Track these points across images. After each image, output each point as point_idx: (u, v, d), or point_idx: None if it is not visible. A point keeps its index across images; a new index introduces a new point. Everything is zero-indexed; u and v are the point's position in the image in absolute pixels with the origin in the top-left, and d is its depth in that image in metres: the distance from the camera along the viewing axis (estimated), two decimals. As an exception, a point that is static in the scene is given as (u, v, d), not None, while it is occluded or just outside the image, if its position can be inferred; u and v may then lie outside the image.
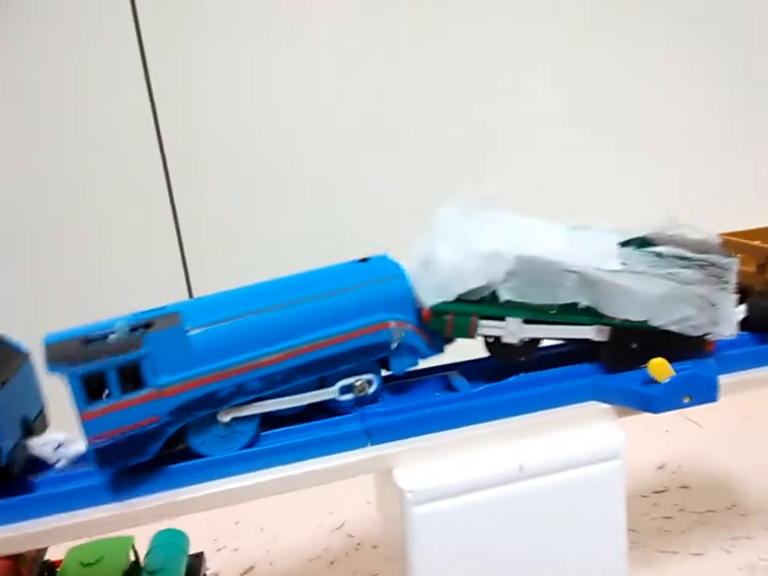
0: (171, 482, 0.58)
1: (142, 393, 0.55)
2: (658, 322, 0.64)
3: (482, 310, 0.62)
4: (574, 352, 0.69)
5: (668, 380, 0.62)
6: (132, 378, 0.55)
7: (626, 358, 0.65)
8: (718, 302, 0.64)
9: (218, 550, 1.01)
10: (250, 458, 0.59)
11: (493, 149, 1.27)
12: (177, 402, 0.56)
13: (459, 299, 0.61)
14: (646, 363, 0.63)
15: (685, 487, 1.05)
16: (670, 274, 0.64)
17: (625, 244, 0.65)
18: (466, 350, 0.68)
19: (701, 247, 0.65)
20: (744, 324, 0.71)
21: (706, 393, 0.63)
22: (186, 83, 1.14)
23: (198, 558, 0.82)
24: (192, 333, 0.57)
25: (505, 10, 1.23)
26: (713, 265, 0.64)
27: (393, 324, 0.61)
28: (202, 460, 0.59)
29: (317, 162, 1.22)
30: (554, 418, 0.64)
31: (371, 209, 1.23)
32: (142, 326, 0.57)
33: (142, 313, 0.59)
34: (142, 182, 1.16)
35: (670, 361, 0.63)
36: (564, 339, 0.67)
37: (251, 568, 0.97)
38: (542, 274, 0.62)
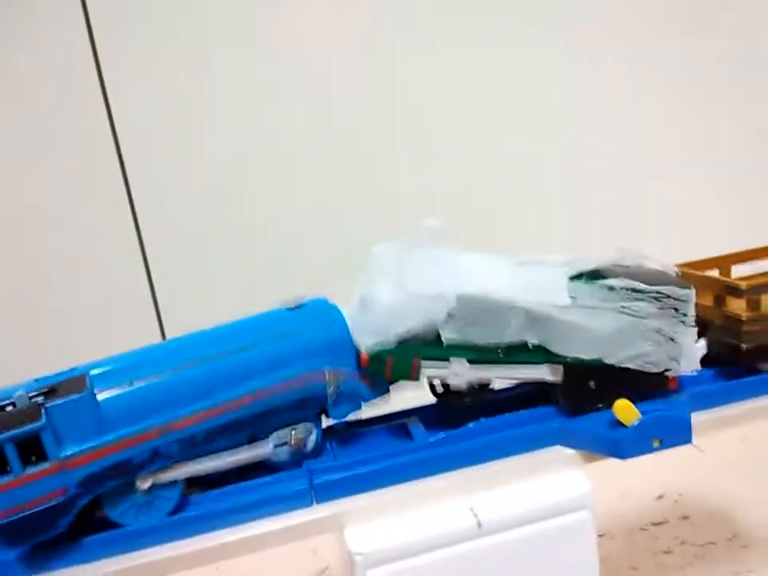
0: (90, 554, 0.54)
1: (45, 466, 0.51)
2: (612, 359, 0.60)
3: (423, 352, 0.58)
4: (534, 393, 0.65)
5: (636, 423, 0.57)
6: (35, 450, 0.51)
7: (583, 399, 0.61)
8: (676, 335, 0.60)
9: (196, 600, 0.97)
10: (178, 525, 0.55)
11: (490, 158, 1.23)
12: (84, 472, 0.52)
13: (399, 341, 0.58)
14: (605, 403, 0.60)
15: (685, 518, 1.00)
16: (623, 307, 0.60)
17: (575, 278, 0.61)
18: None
19: (656, 279, 0.61)
20: (705, 360, 0.66)
21: (679, 434, 0.58)
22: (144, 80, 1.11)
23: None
24: (100, 396, 0.53)
25: (505, 10, 1.19)
26: (668, 296, 0.60)
27: (326, 373, 0.57)
28: (123, 530, 0.55)
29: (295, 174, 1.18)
30: (515, 466, 0.60)
31: (359, 221, 1.19)
32: (45, 392, 0.53)
33: (47, 378, 0.55)
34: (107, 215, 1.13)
35: (632, 400, 0.59)
36: (515, 380, 0.63)
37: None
38: (485, 312, 0.58)
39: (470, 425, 0.62)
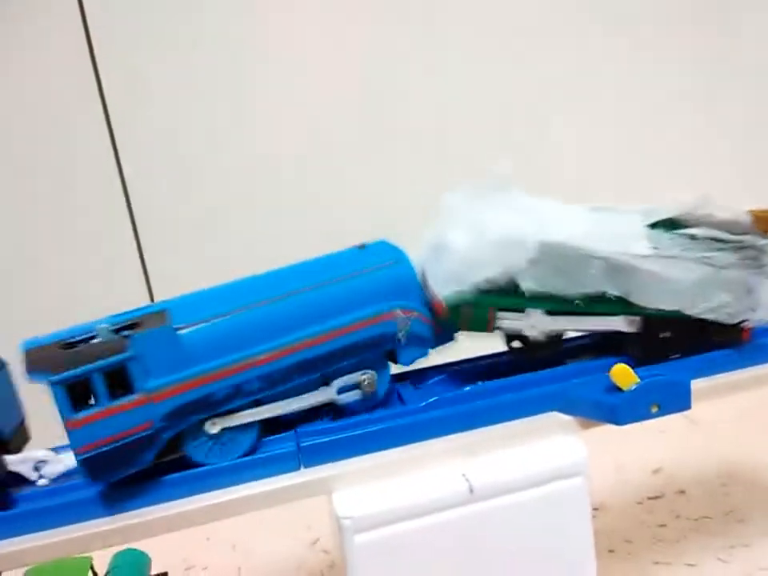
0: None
1: (132, 398, 0.51)
2: (692, 310, 0.59)
3: (500, 302, 0.57)
4: (603, 343, 0.64)
5: (633, 387, 0.55)
6: (120, 382, 0.50)
7: (656, 348, 0.61)
8: (755, 286, 0.60)
9: (187, 569, 0.97)
10: (168, 485, 0.54)
11: (504, 131, 1.21)
12: (170, 406, 0.51)
13: (476, 290, 0.56)
14: (678, 353, 0.60)
15: (681, 492, 0.99)
16: (704, 257, 0.58)
17: (653, 226, 0.60)
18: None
19: (733, 228, 0.60)
20: None
21: (678, 400, 0.57)
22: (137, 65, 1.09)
23: (162, 579, 0.78)
24: (182, 331, 0.53)
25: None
26: (749, 247, 0.59)
27: (399, 313, 0.56)
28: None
29: (289, 157, 1.16)
30: (508, 432, 0.58)
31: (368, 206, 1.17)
32: (127, 326, 0.53)
33: (126, 313, 0.55)
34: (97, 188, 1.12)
35: (705, 350, 0.60)
36: (591, 331, 0.62)
37: (220, 587, 0.93)
38: (566, 261, 0.56)
39: (467, 388, 0.60)
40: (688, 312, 0.59)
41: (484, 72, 1.19)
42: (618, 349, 0.62)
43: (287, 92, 1.14)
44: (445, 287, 0.56)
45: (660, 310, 0.58)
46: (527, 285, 0.56)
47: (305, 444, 0.56)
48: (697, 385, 0.59)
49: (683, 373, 0.58)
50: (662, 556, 0.88)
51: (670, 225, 0.60)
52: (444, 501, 0.54)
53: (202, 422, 0.54)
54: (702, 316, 0.59)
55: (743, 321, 0.60)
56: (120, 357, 0.50)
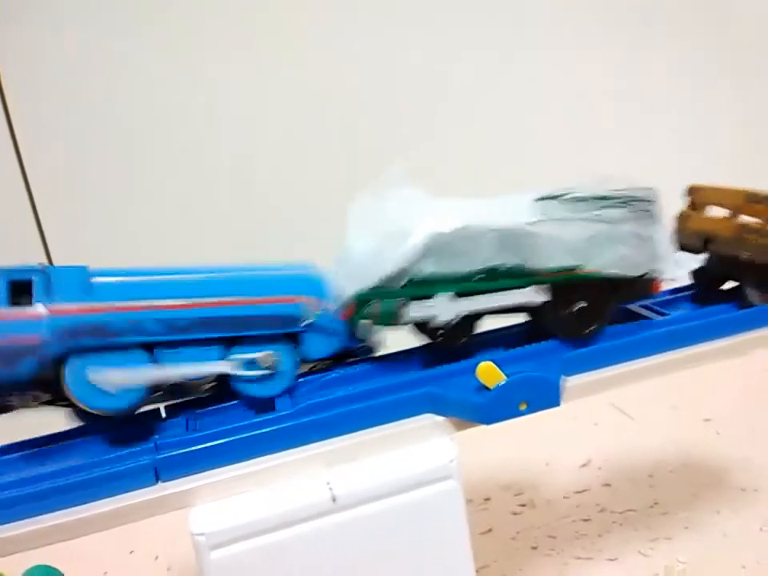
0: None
1: (29, 308, 0.52)
2: (592, 265, 0.60)
3: (407, 292, 0.57)
4: (527, 331, 0.66)
5: (500, 385, 0.53)
6: (25, 295, 0.53)
7: (575, 321, 0.61)
8: (651, 235, 0.61)
9: (108, 583, 0.94)
10: (12, 503, 0.51)
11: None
12: (62, 323, 0.53)
13: (381, 285, 0.57)
14: (597, 323, 0.61)
15: (607, 485, 0.98)
16: (594, 215, 0.60)
17: (544, 199, 0.61)
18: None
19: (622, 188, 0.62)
20: (699, 275, 0.68)
21: (546, 397, 0.55)
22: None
23: (78, 597, 0.75)
24: (97, 278, 0.55)
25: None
26: (635, 199, 0.60)
27: (307, 299, 0.57)
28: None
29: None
30: (379, 436, 0.56)
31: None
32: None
33: None
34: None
35: (623, 312, 0.63)
36: (502, 308, 0.61)
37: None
38: (458, 240, 0.57)
39: (338, 393, 0.58)
40: (589, 267, 0.59)
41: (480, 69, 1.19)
42: (543, 334, 0.63)
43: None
44: (351, 286, 0.58)
45: (561, 268, 0.59)
46: (427, 269, 0.57)
47: (161, 457, 0.53)
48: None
49: (552, 368, 0.56)
50: (584, 551, 0.87)
51: (561, 196, 0.61)
52: (305, 512, 0.52)
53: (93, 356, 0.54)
54: (606, 271, 0.60)
55: (648, 271, 0.61)
56: (29, 268, 0.52)
